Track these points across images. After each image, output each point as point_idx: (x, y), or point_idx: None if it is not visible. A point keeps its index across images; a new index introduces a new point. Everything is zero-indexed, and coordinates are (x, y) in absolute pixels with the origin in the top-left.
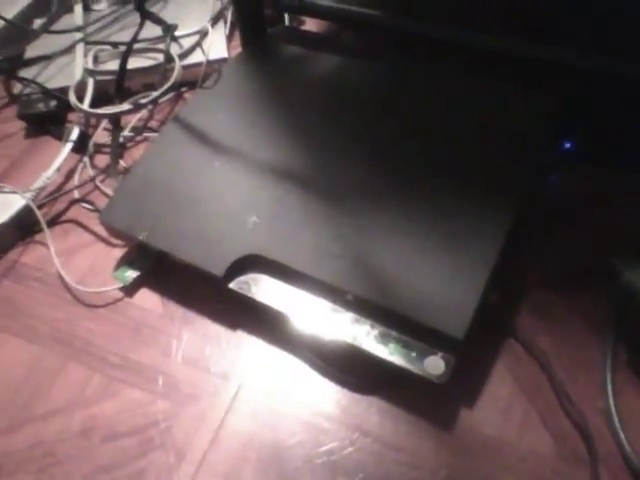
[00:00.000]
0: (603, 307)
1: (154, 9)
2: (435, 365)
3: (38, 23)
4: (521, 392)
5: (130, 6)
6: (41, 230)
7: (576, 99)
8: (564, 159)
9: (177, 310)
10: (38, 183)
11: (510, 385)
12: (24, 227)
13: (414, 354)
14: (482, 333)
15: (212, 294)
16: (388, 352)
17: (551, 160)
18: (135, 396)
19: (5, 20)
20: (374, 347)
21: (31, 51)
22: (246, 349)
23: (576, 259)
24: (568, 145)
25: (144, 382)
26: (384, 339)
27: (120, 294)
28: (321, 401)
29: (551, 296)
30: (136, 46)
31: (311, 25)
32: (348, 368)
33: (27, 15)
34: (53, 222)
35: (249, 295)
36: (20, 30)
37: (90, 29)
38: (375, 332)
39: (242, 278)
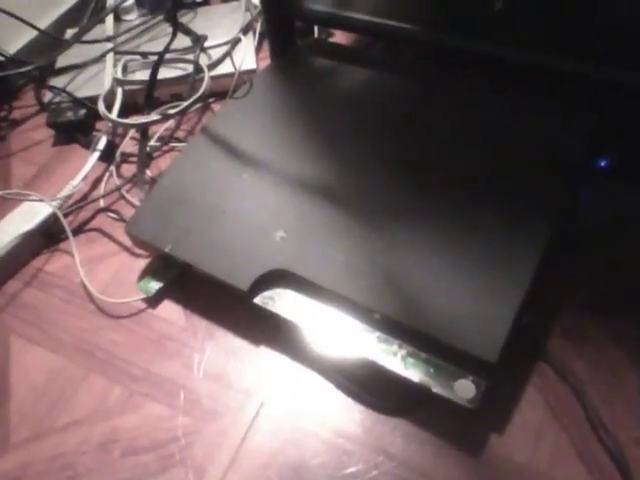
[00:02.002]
0: None
1: (183, 20)
2: (466, 389)
3: (70, 33)
4: (553, 418)
5: (159, 17)
6: (66, 238)
7: (611, 116)
8: (598, 177)
9: (200, 323)
10: (65, 191)
11: (542, 410)
12: (50, 235)
13: (443, 377)
14: (513, 355)
15: (236, 308)
16: (416, 374)
17: (585, 178)
18: (156, 410)
19: (38, 30)
20: (401, 368)
21: (62, 60)
22: (269, 365)
23: (609, 279)
24: (603, 163)
25: (165, 396)
26: (412, 360)
27: (143, 305)
28: (345, 421)
29: (585, 318)
30: (165, 56)
31: (340, 38)
32: (373, 388)
33: (60, 25)
34: (78, 231)
35: (273, 311)
36: (52, 40)
37: (120, 39)
38: (403, 352)
39: (267, 293)
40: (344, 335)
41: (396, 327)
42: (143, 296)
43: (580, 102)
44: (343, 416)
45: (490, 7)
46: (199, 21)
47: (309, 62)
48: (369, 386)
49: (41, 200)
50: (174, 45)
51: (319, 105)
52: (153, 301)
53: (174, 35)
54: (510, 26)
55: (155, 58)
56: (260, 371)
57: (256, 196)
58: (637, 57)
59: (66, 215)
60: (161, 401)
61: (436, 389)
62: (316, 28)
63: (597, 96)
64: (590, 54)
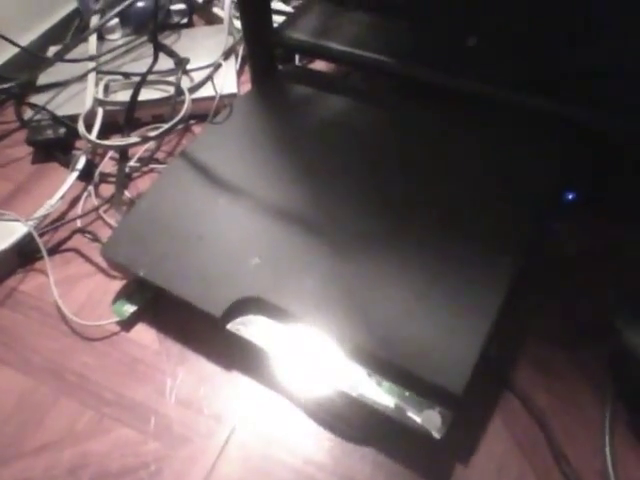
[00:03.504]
0: (603, 364)
1: (167, 41)
2: (432, 420)
3: (52, 51)
4: (517, 449)
5: (143, 37)
6: (42, 258)
7: (579, 150)
8: (566, 209)
9: (173, 347)
10: (41, 211)
11: (506, 441)
12: (25, 254)
13: (411, 407)
14: (480, 384)
15: (209, 333)
16: (384, 403)
17: (553, 211)
18: (127, 435)
19: (20, 47)
20: (369, 397)
21: (44, 78)
22: (241, 391)
23: (576, 313)
24: (571, 196)
25: (136, 421)
26: (380, 390)
27: (117, 328)
28: (314, 449)
29: (551, 350)
30: (147, 78)
31: (321, 64)
32: (343, 417)
33: (42, 43)
34: (54, 251)
35: (245, 337)
36: (34, 57)
37: (103, 59)
38: (372, 382)
39: (240, 319)
40: (314, 363)
41: (366, 356)
42: (117, 319)
43: (551, 134)
44: (312, 444)
45: (464, 43)
46: (182, 43)
47: (289, 89)
48: (338, 414)
49: (17, 220)
50: (156, 67)
51: (297, 133)
52: (127, 324)
53: (155, 58)
54: (483, 62)
55: (137, 79)
56: (231, 397)
57: (232, 222)
58: (605, 99)
59: (42, 234)
60: (132, 426)
61: (403, 419)
62: (297, 55)
63: (567, 130)
64: (560, 93)
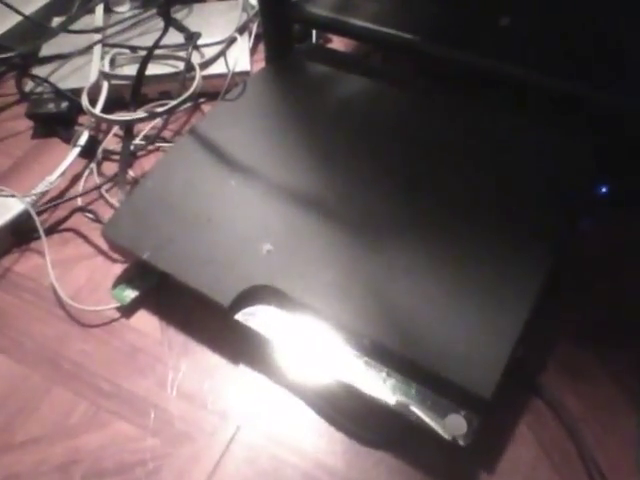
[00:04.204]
0: (638, 370)
1: (178, 16)
2: (457, 425)
3: (57, 22)
4: (545, 458)
5: (153, 11)
6: (39, 237)
7: (612, 143)
8: (599, 204)
9: (176, 337)
10: (40, 187)
11: (534, 449)
12: (21, 233)
13: (434, 410)
14: (506, 388)
15: (216, 323)
16: (404, 405)
17: (587, 205)
18: (124, 430)
19: (23, 15)
20: (388, 397)
21: (47, 49)
22: (248, 386)
23: (609, 313)
24: (604, 189)
25: (135, 415)
26: (400, 390)
27: (117, 314)
28: (325, 452)
29: (582, 353)
30: (156, 52)
31: (338, 44)
32: (358, 418)
33: (47, 12)
34: (52, 230)
35: (255, 328)
36: (38, 27)
37: (110, 31)
38: (391, 381)
39: (249, 309)
40: (329, 359)
41: (385, 354)
42: (117, 305)
43: (584, 126)
44: (324, 446)
45: (496, 22)
46: (194, 18)
47: (305, 67)
48: (353, 415)
49: (13, 196)
50: (166, 41)
51: (314, 112)
52: (127, 311)
53: (165, 30)
54: (515, 43)
55: (145, 53)
56: (238, 392)
57: (244, 205)
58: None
59: (40, 213)
60: (129, 420)
61: (425, 423)
62: (314, 33)
63: (602, 121)
64: (595, 77)
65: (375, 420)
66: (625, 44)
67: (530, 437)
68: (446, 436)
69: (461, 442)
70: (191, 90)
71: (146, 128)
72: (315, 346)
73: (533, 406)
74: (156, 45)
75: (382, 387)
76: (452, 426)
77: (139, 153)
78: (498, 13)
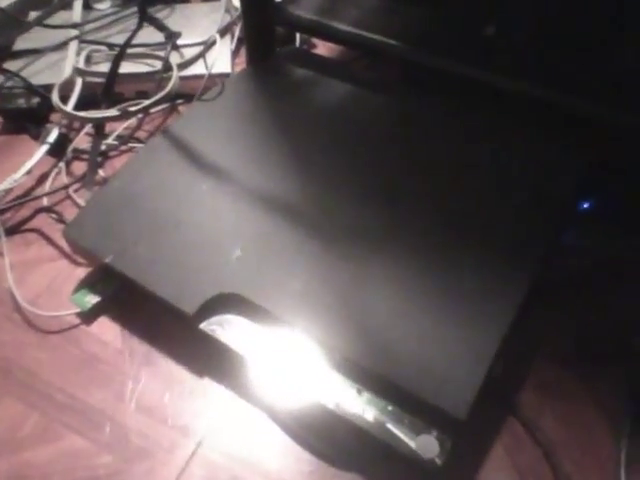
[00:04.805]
0: (618, 388)
1: (159, 15)
2: (428, 446)
3: (34, 15)
4: None
5: (134, 8)
6: None
7: (597, 155)
8: (582, 219)
9: (138, 347)
10: (4, 185)
11: (508, 472)
12: None
13: (404, 430)
14: (480, 407)
15: (181, 333)
16: (374, 424)
17: (569, 221)
18: (77, 444)
19: None
20: (358, 416)
21: (21, 43)
22: (212, 400)
23: (590, 332)
24: (586, 205)
25: (89, 428)
26: (371, 409)
27: (77, 320)
28: (291, 472)
29: (561, 372)
30: (134, 51)
31: (322, 50)
32: (326, 437)
33: (23, 6)
34: (14, 230)
35: (220, 339)
36: (12, 20)
37: (88, 28)
38: (362, 399)
39: (215, 319)
40: (297, 373)
41: (357, 370)
42: (77, 310)
43: (569, 141)
44: (290, 467)
45: (482, 32)
46: (176, 18)
47: (286, 71)
48: (321, 434)
49: None
50: (147, 40)
51: (292, 117)
52: (88, 317)
53: (140, 25)
54: (500, 53)
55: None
56: (201, 407)
57: (214, 209)
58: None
59: (2, 211)
60: (83, 434)
61: (395, 443)
62: (298, 36)
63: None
64: (582, 89)
65: (344, 439)
66: (613, 56)
67: (505, 460)
68: (416, 458)
69: (433, 464)
70: (166, 90)
71: (120, 128)
72: (284, 359)
73: (509, 428)
74: (129, 41)
75: (351, 405)
76: (423, 448)
77: (111, 153)
78: (484, 22)
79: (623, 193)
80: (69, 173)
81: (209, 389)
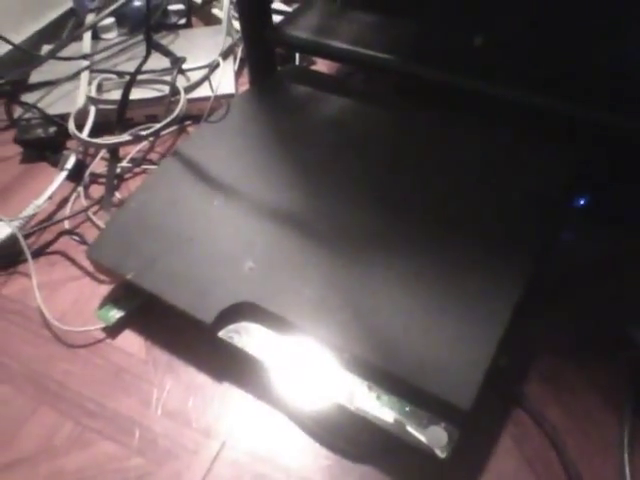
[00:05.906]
0: (620, 378)
1: (164, 41)
2: (437, 437)
3: (46, 49)
4: (528, 470)
5: (139, 37)
6: (25, 260)
7: (593, 154)
8: (579, 217)
9: (161, 356)
10: (27, 211)
11: (516, 461)
12: (8, 256)
13: (414, 423)
14: (488, 399)
15: (200, 341)
16: (385, 418)
17: (566, 218)
18: (108, 449)
19: (12, 44)
20: (370, 412)
21: (36, 76)
22: (232, 404)
23: (591, 324)
24: (582, 202)
25: (119, 434)
26: (381, 403)
27: (102, 335)
28: (311, 468)
29: (564, 363)
30: (142, 77)
31: (321, 66)
32: (341, 432)
33: (36, 41)
34: (39, 253)
35: (238, 346)
36: (26, 55)
37: (97, 57)
38: (372, 395)
39: (232, 327)
40: (311, 374)
41: (366, 368)
42: (103, 325)
43: (565, 141)
44: (309, 462)
45: (471, 42)
46: (180, 43)
47: (288, 89)
48: (336, 430)
49: (0, 220)
50: (153, 66)
51: (296, 133)
52: (113, 331)
53: (148, 54)
54: (490, 62)
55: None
56: (222, 410)
57: (225, 224)
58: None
59: (28, 236)
60: (114, 439)
61: (405, 436)
62: (297, 55)
63: (580, 134)
64: (572, 93)
65: (358, 434)
66: (605, 60)
67: (513, 448)
68: (426, 448)
69: (441, 454)
70: (175, 113)
71: (133, 151)
72: (298, 362)
73: (516, 417)
74: (139, 69)
75: (363, 401)
76: (432, 438)
77: (126, 176)
78: (473, 33)
79: (623, 193)
80: (87, 196)
81: (229, 393)
